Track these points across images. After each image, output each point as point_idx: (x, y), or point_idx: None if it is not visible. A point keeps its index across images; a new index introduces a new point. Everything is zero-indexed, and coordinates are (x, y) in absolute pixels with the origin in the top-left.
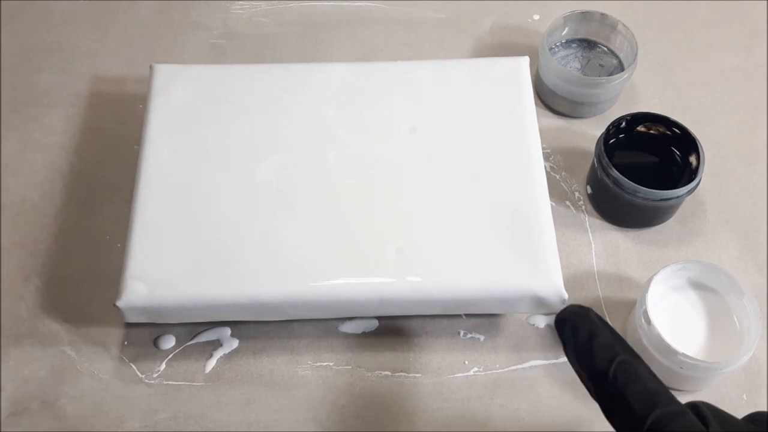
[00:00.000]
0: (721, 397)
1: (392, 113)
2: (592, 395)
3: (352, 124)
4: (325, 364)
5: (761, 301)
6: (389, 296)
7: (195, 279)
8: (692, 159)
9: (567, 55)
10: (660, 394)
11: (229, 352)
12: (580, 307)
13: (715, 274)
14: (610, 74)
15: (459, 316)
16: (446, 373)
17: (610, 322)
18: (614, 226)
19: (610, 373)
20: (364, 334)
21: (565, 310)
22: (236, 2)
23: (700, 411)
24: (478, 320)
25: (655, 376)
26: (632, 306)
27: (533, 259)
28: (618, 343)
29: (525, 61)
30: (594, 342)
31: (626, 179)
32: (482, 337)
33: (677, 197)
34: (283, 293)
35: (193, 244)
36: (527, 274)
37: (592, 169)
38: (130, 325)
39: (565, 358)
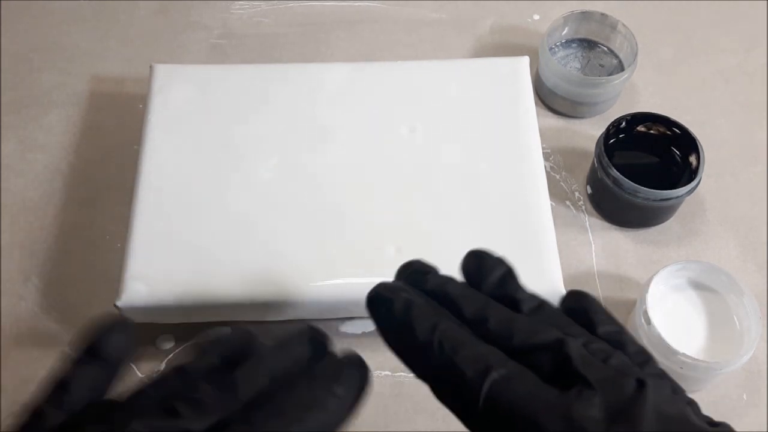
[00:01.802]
0: (721, 397)
1: (392, 113)
2: (417, 374)
3: (352, 124)
4: None
5: (761, 301)
6: None
7: (195, 279)
8: (692, 159)
9: (567, 55)
10: (494, 354)
11: None
12: (392, 282)
13: (715, 274)
14: (610, 74)
15: None
16: None
17: None
18: (614, 226)
19: (435, 341)
20: (364, 334)
21: (375, 287)
22: (236, 2)
23: (563, 351)
24: None
25: (478, 340)
26: (632, 306)
27: (533, 259)
28: (437, 310)
29: (525, 61)
30: (412, 313)
31: (626, 179)
32: None
33: (677, 197)
34: (283, 293)
35: (193, 244)
36: (527, 274)
37: (592, 169)
38: None
39: None
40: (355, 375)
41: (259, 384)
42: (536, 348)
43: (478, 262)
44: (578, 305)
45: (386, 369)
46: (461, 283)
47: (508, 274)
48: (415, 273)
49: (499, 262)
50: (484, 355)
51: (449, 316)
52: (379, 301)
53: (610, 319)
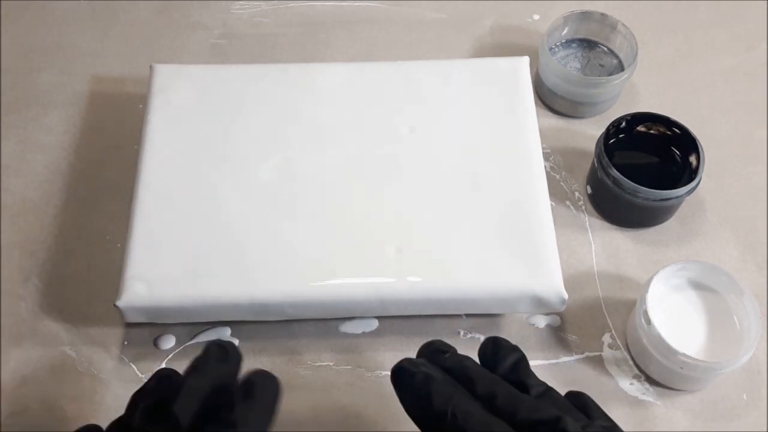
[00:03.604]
0: (721, 397)
1: (392, 113)
2: None
3: (352, 124)
4: (325, 364)
5: (761, 301)
6: (389, 296)
7: (195, 279)
8: (692, 159)
9: (567, 55)
10: (499, 425)
11: None
12: (415, 358)
13: (715, 274)
14: (610, 74)
15: (459, 316)
16: None
17: (610, 323)
18: (614, 226)
19: (449, 411)
20: (364, 334)
21: (400, 361)
22: (236, 2)
23: (561, 426)
24: (478, 320)
25: (487, 413)
26: (632, 306)
27: (533, 259)
28: (453, 384)
29: (525, 61)
30: (431, 385)
31: (626, 179)
32: (482, 337)
33: (677, 197)
34: (283, 293)
35: (193, 244)
36: (527, 274)
37: (592, 169)
38: (130, 325)
39: (565, 358)
40: (267, 387)
41: (194, 408)
42: (537, 423)
43: (495, 348)
44: (577, 401)
45: (386, 369)
46: (476, 364)
47: (521, 361)
48: (436, 351)
49: (514, 349)
50: (491, 424)
51: (463, 390)
52: (402, 373)
53: (606, 416)
